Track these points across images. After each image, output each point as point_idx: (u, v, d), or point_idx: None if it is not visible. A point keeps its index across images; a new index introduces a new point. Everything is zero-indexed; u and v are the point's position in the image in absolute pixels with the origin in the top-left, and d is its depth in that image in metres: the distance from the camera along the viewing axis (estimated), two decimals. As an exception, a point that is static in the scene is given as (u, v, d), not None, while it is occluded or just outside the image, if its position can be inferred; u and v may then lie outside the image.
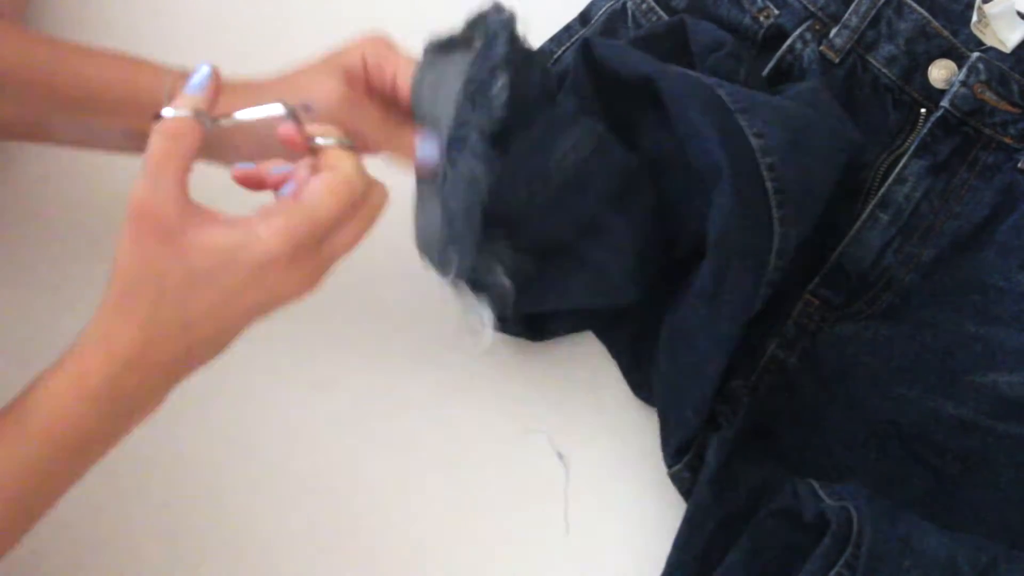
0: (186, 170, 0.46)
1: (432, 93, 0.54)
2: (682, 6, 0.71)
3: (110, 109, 0.53)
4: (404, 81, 0.55)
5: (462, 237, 0.53)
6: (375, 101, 0.56)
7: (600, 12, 0.73)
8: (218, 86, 0.48)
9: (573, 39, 0.73)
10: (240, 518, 0.64)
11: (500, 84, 0.52)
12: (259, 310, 0.48)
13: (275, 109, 0.47)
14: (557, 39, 0.74)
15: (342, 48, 0.55)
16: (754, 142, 0.58)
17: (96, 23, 0.75)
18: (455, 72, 0.54)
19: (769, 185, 0.58)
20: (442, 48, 0.55)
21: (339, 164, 0.48)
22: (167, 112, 0.46)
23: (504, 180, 0.53)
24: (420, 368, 0.68)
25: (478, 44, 0.54)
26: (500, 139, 0.53)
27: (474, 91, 0.53)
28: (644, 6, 0.71)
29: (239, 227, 0.46)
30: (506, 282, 0.54)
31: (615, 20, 0.72)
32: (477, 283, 0.55)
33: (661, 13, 0.71)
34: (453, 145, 0.53)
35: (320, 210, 0.47)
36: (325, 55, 0.55)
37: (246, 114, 0.48)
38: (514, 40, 0.54)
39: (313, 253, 0.48)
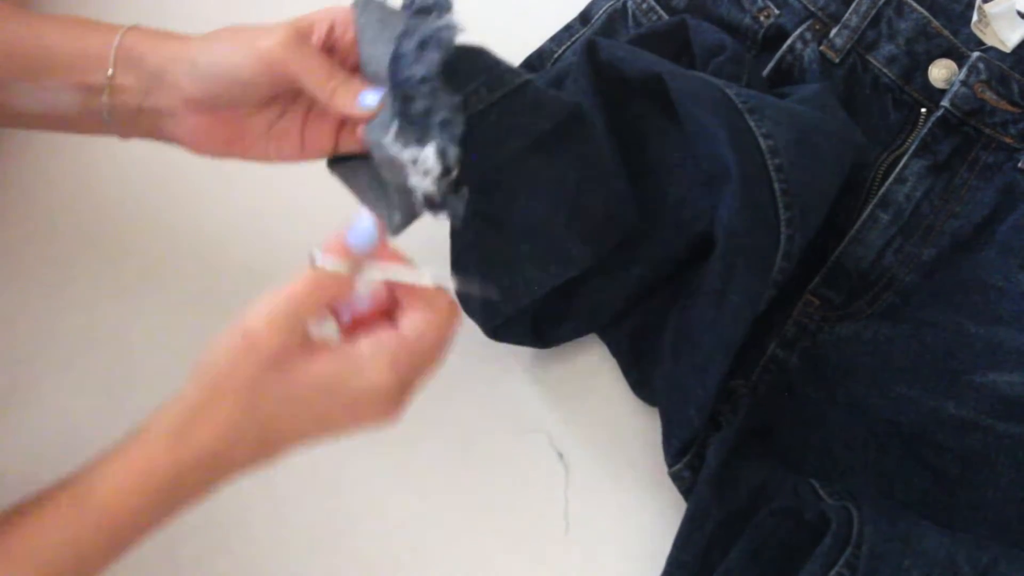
0: (318, 317, 0.47)
1: (372, 35, 0.53)
2: (682, 6, 0.71)
3: (67, 66, 0.53)
4: None
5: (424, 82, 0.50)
6: (326, 54, 0.54)
7: (600, 11, 0.73)
8: (381, 242, 0.48)
9: (573, 39, 0.73)
10: (239, 518, 0.64)
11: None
12: (334, 435, 0.50)
13: (411, 275, 0.48)
14: (557, 39, 0.74)
15: (311, 13, 0.54)
16: (763, 143, 0.58)
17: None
18: (390, 18, 0.52)
19: (777, 187, 0.58)
20: None
21: (438, 303, 0.49)
22: (327, 262, 0.46)
23: (450, 70, 0.51)
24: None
25: None
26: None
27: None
28: (644, 5, 0.71)
29: (346, 358, 0.47)
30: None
31: (616, 20, 0.72)
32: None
33: (661, 13, 0.71)
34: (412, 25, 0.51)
35: (424, 348, 0.48)
36: (293, 18, 0.54)
37: (382, 276, 0.48)
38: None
39: (408, 388, 0.49)
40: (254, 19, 0.73)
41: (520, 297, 0.62)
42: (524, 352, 0.68)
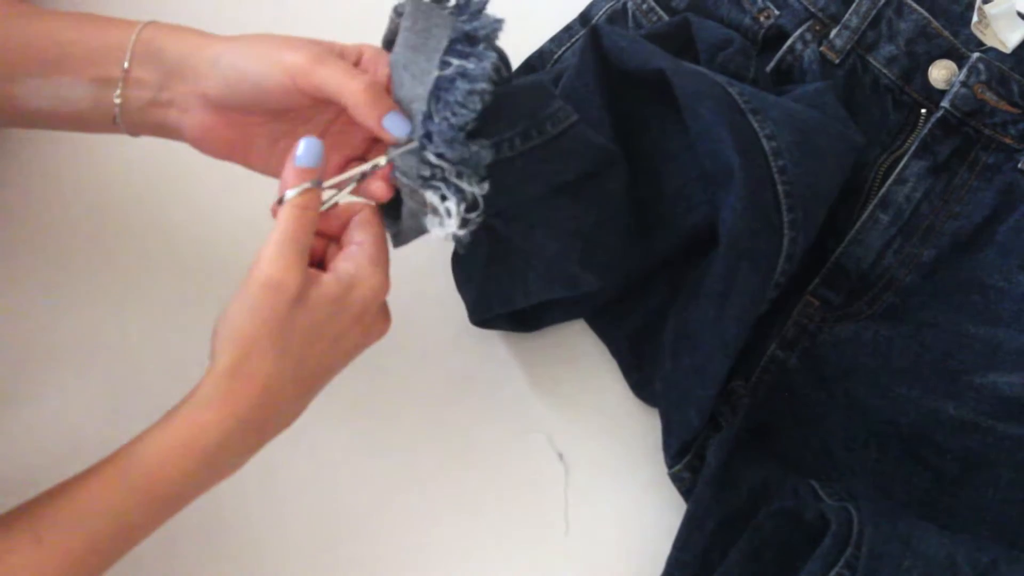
0: (311, 239, 0.50)
1: (410, 54, 0.52)
2: (682, 6, 0.71)
3: (82, 60, 0.53)
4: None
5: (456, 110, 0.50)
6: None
7: (600, 12, 0.73)
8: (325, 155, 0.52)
9: (573, 39, 0.73)
10: (239, 518, 0.64)
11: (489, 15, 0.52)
12: (350, 355, 0.53)
13: (364, 167, 0.52)
14: (557, 39, 0.74)
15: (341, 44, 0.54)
16: (766, 144, 0.58)
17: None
18: (436, 33, 0.52)
19: (780, 188, 0.58)
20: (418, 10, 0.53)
21: (367, 214, 0.53)
22: (293, 191, 0.50)
23: (502, 102, 0.52)
24: (420, 368, 0.68)
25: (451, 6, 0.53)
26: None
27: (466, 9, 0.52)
28: (644, 6, 0.71)
29: (340, 274, 0.51)
30: (477, 188, 0.51)
31: (616, 20, 0.72)
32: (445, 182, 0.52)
33: (661, 13, 0.71)
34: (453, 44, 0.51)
35: (384, 251, 0.53)
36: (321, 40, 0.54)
37: (343, 176, 0.53)
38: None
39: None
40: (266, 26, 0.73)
41: (516, 302, 0.62)
42: (524, 352, 0.68)
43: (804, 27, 0.68)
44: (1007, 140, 0.66)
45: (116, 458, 0.47)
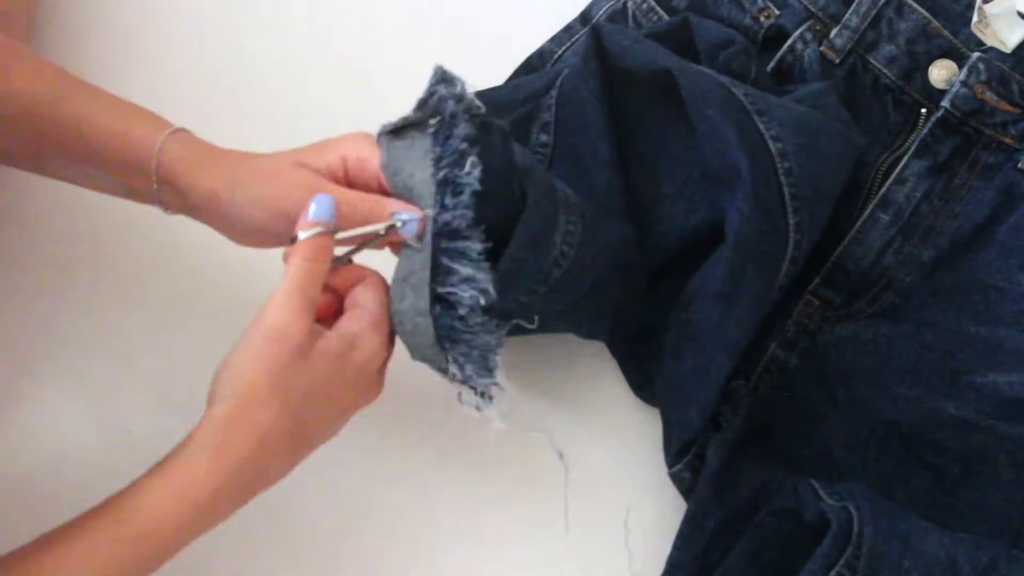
0: (319, 292, 0.50)
1: (399, 179, 0.53)
2: (683, 6, 0.71)
3: (102, 162, 0.53)
4: None
5: (464, 340, 0.52)
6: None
7: (601, 12, 0.73)
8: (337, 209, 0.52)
9: (573, 39, 0.74)
10: (239, 519, 0.64)
11: (470, 164, 0.51)
12: (343, 416, 0.53)
13: (378, 227, 0.52)
14: (557, 39, 0.74)
15: (323, 146, 0.54)
16: (772, 146, 0.58)
17: (97, 48, 0.75)
18: (418, 156, 0.52)
19: (786, 191, 0.58)
20: (397, 132, 0.53)
21: (373, 278, 0.54)
22: (305, 233, 0.50)
23: (506, 285, 0.51)
24: (420, 367, 0.68)
25: (433, 124, 0.52)
26: (490, 233, 0.51)
27: (445, 178, 0.51)
28: (645, 6, 0.71)
29: (343, 333, 0.51)
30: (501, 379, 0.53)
31: (616, 20, 0.72)
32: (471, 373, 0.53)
33: (662, 13, 0.71)
34: (440, 239, 0.51)
35: (385, 315, 0.53)
36: (306, 152, 0.54)
37: (354, 231, 0.52)
38: (469, 109, 0.52)
39: (388, 354, 0.54)
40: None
41: (527, 330, 0.63)
42: (524, 352, 0.68)
43: (804, 27, 0.68)
44: (1007, 140, 0.66)
45: (110, 507, 0.47)
